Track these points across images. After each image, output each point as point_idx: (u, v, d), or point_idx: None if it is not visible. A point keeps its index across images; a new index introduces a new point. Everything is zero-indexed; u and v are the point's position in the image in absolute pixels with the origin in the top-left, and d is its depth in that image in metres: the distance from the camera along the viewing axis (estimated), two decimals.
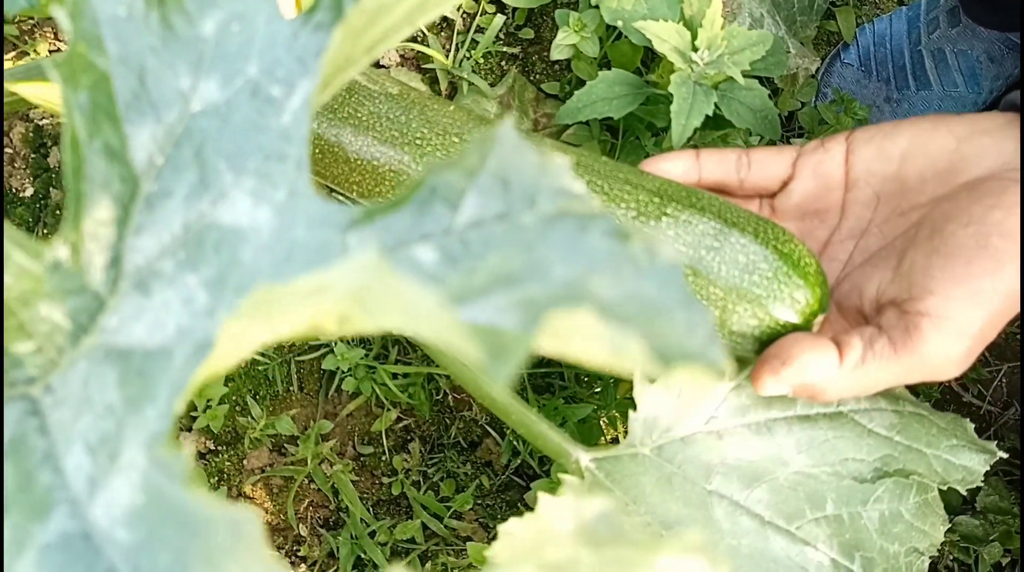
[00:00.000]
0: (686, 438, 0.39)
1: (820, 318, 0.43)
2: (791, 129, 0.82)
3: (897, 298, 0.40)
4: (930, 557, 0.41)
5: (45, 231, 0.72)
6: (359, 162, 0.50)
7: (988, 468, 0.41)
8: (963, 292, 0.38)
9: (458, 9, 0.72)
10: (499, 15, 0.72)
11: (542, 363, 0.75)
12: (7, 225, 0.26)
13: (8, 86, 0.51)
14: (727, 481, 0.39)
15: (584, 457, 0.39)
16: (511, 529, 0.27)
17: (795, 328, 0.42)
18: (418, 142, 0.48)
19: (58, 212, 0.72)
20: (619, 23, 0.62)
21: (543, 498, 0.27)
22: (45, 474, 0.24)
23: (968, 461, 0.41)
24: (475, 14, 0.73)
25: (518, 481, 0.75)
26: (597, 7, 0.66)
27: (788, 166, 0.46)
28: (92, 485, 0.26)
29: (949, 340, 0.38)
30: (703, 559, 0.20)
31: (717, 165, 0.47)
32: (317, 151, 0.51)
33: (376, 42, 0.27)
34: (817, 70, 0.78)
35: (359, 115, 0.49)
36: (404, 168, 0.48)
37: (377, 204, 0.26)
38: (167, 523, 0.24)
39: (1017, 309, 0.40)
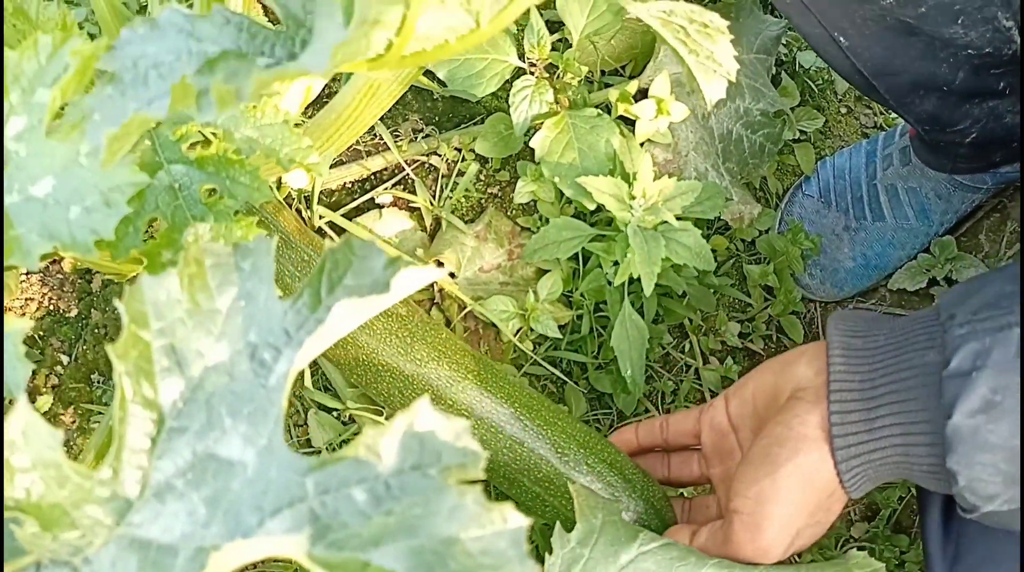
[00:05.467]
0: None
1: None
2: (754, 253, 0.94)
3: (728, 500, 0.55)
4: None
5: (84, 348, 0.86)
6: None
7: None
8: (753, 492, 0.53)
9: (441, 157, 0.86)
10: (475, 163, 0.85)
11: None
12: (65, 458, 0.39)
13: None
14: None
15: None
16: None
17: None
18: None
19: (97, 330, 0.87)
20: (556, 179, 0.74)
21: None
22: None
23: None
24: (458, 161, 0.86)
25: None
26: None
27: (695, 423, 0.64)
28: None
29: (754, 533, 0.52)
30: None
31: (646, 433, 0.68)
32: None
33: None
34: (760, 212, 0.90)
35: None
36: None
37: (328, 457, 0.39)
38: None
39: (824, 511, 0.54)
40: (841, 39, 0.70)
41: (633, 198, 0.72)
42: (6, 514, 0.39)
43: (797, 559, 0.85)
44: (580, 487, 0.60)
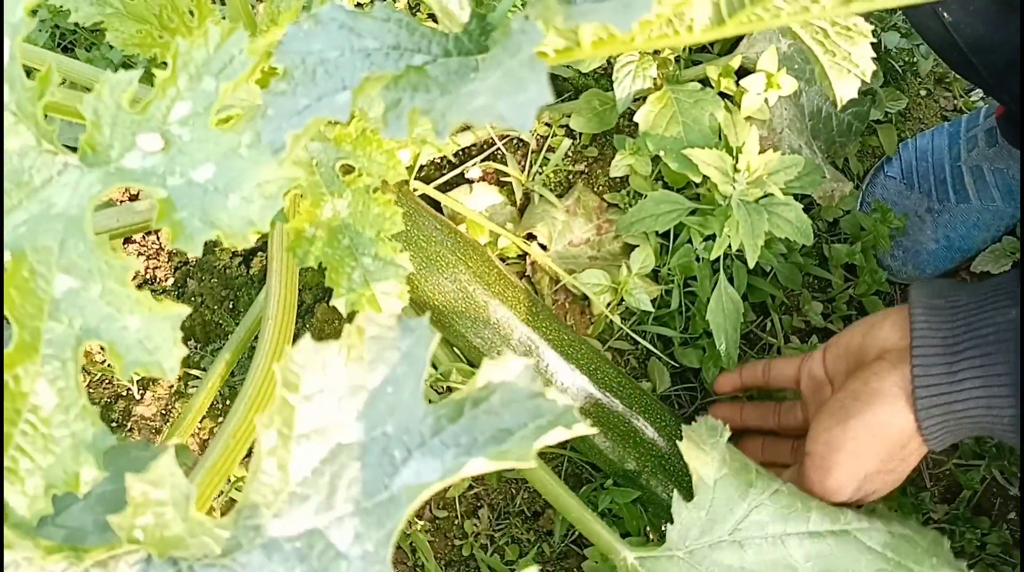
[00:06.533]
0: (713, 545, 0.53)
1: None
2: (836, 234, 0.95)
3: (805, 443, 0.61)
4: None
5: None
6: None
7: None
8: (824, 438, 0.58)
9: (532, 133, 0.88)
10: (567, 139, 0.88)
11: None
12: (193, 505, 0.38)
13: None
14: None
15: (630, 556, 0.53)
16: None
17: None
18: None
19: (193, 299, 0.90)
20: (661, 153, 0.77)
21: None
22: None
23: None
24: (547, 137, 0.88)
25: (575, 549, 0.89)
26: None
27: (796, 370, 0.69)
28: None
29: (823, 475, 0.58)
30: None
31: (750, 375, 0.74)
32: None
33: None
34: (851, 190, 0.91)
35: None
36: None
37: None
38: None
39: (898, 460, 0.58)
40: (945, 14, 0.71)
41: (737, 171, 0.74)
42: (128, 542, 0.39)
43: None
44: (687, 442, 0.60)
